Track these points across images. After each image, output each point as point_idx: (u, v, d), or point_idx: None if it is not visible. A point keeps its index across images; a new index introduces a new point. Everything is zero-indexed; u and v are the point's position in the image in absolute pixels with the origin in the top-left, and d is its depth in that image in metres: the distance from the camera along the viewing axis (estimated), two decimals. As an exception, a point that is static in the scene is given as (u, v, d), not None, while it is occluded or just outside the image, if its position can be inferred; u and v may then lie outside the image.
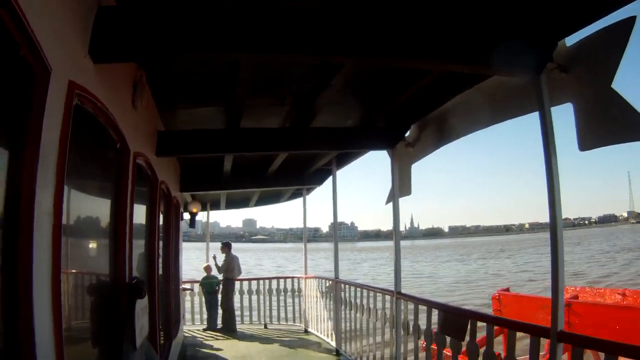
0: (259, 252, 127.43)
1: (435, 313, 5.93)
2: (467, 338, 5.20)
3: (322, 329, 11.02)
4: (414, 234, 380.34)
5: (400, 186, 7.11)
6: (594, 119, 3.66)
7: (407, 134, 6.97)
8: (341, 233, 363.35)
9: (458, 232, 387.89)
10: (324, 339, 10.74)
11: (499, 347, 8.53)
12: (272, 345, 10.87)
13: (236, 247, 13.79)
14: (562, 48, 3.91)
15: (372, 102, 6.54)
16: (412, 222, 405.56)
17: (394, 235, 7.29)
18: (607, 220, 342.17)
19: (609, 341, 3.79)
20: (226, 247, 13.57)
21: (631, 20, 3.30)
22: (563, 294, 3.95)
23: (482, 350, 4.93)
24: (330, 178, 10.37)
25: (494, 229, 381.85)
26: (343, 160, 9.73)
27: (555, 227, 3.89)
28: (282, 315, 13.29)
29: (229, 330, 12.27)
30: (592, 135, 3.68)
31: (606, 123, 3.56)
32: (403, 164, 7.08)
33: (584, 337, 4.07)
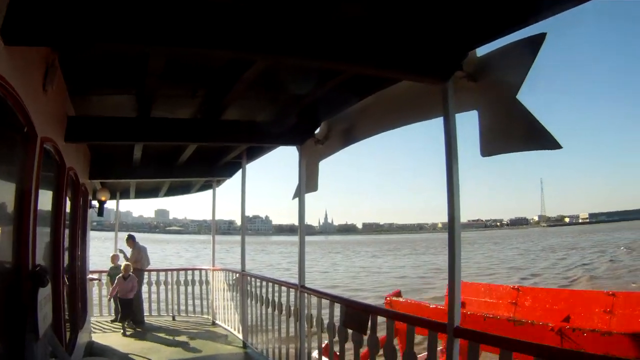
0: (174, 243, 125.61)
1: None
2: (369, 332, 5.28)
3: (229, 322, 10.95)
4: (328, 229, 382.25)
5: (307, 182, 7.17)
6: (497, 128, 3.79)
7: (316, 131, 7.00)
8: (256, 226, 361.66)
9: (372, 229, 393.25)
10: (231, 332, 10.67)
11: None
12: (179, 337, 10.70)
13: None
14: (472, 57, 4.00)
15: (283, 98, 6.50)
16: (326, 218, 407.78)
17: (299, 230, 7.37)
18: (519, 223, 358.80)
19: (504, 337, 4.01)
20: (131, 240, 13.31)
21: (541, 37, 3.44)
22: (460, 291, 4.05)
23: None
24: (240, 171, 10.34)
25: (408, 227, 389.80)
26: (253, 154, 9.70)
27: (453, 228, 4.01)
28: (190, 307, 13.08)
29: (137, 321, 11.90)
30: (494, 143, 3.81)
31: (508, 132, 3.69)
32: (311, 160, 7.14)
33: (480, 333, 4.23)
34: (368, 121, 5.93)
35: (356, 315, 5.55)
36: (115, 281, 11.87)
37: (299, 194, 7.22)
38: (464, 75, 4.02)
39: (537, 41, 3.48)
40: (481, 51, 4.02)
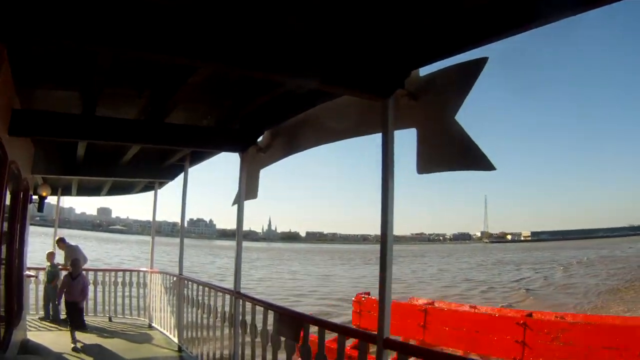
0: (117, 243, 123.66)
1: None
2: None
3: (165, 325, 10.73)
4: (272, 236, 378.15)
5: (247, 189, 7.17)
6: (434, 146, 3.89)
7: (259, 140, 7.00)
8: (199, 230, 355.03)
9: (315, 237, 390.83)
10: (167, 335, 10.46)
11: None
12: (115, 338, 10.46)
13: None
14: (415, 77, 4.09)
15: (227, 104, 6.51)
16: (270, 225, 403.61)
17: (237, 236, 7.35)
18: (462, 238, 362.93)
19: (431, 350, 4.11)
20: (61, 242, 13.04)
21: (483, 61, 3.57)
22: (390, 304, 4.09)
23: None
24: (182, 175, 10.23)
25: (352, 237, 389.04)
26: (196, 158, 9.62)
27: (385, 243, 4.07)
28: (127, 309, 12.76)
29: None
30: (431, 161, 3.91)
31: (445, 151, 3.79)
32: (252, 168, 7.12)
33: (409, 345, 4.36)
34: (310, 132, 5.99)
35: (289, 323, 5.57)
36: (61, 281, 10.81)
37: (239, 200, 7.18)
38: (406, 93, 4.12)
39: (478, 65, 3.60)
40: (424, 71, 4.11)
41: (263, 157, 6.90)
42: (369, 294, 12.88)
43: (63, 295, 10.23)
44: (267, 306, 6.22)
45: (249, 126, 6.81)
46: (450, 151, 3.78)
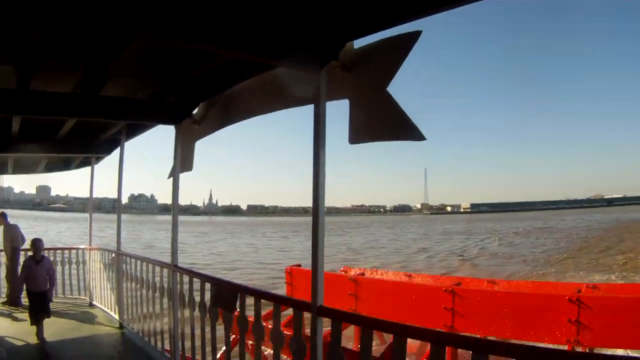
0: (59, 221, 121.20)
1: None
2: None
3: (106, 302, 10.48)
4: (213, 210, 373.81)
5: (183, 162, 7.03)
6: (366, 117, 3.89)
7: (194, 112, 6.85)
8: (141, 205, 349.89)
9: (257, 211, 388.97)
10: (108, 313, 10.23)
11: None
12: (56, 319, 9.82)
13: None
14: (349, 49, 4.05)
15: (162, 76, 6.32)
16: (210, 198, 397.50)
17: (172, 210, 7.20)
18: (402, 209, 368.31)
19: (364, 316, 4.16)
20: (2, 217, 12.40)
21: (416, 34, 3.55)
22: (322, 272, 4.14)
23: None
24: (119, 149, 9.87)
25: (292, 210, 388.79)
26: (133, 131, 9.33)
27: (317, 212, 4.09)
28: (67, 288, 12.42)
29: (13, 303, 11.07)
30: (363, 131, 3.92)
31: (376, 122, 3.81)
32: (187, 140, 6.99)
33: (342, 312, 4.38)
34: (244, 104, 5.92)
35: (225, 295, 5.55)
36: (22, 266, 9.26)
37: (174, 173, 7.04)
38: (339, 65, 4.08)
39: (412, 38, 3.59)
40: (359, 43, 4.08)
41: (198, 129, 6.76)
42: (299, 265, 12.90)
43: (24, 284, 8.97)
44: (204, 278, 6.19)
45: (183, 99, 6.66)
46: (382, 122, 3.79)
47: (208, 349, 6.13)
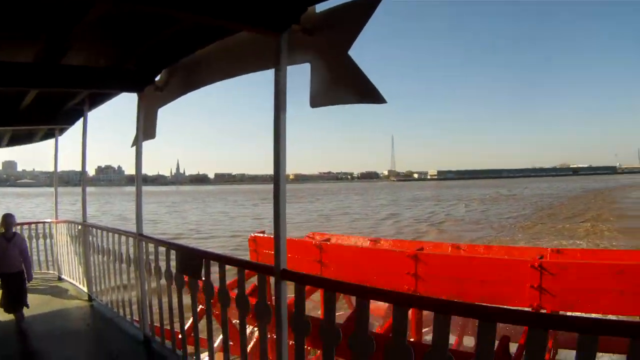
0: (32, 196, 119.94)
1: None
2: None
3: (75, 276, 10.36)
4: (180, 179, 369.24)
5: (145, 130, 6.93)
6: (328, 80, 3.88)
7: (157, 79, 6.72)
8: (109, 177, 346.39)
9: (224, 179, 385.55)
10: (77, 286, 10.11)
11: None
12: None
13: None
14: (311, 12, 4.01)
15: (124, 43, 6.11)
16: (178, 168, 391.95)
17: (136, 179, 7.17)
18: (369, 176, 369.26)
19: (327, 279, 4.19)
20: None
21: None
22: (285, 237, 4.18)
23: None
24: (82, 119, 9.67)
25: (260, 177, 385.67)
26: (96, 101, 9.07)
27: (278, 176, 4.12)
28: (35, 262, 11.70)
29: None
30: (323, 95, 3.91)
31: (337, 85, 3.80)
32: (150, 107, 6.89)
33: (305, 275, 4.41)
34: (206, 69, 5.83)
35: (190, 261, 5.54)
36: None
37: (137, 141, 6.94)
38: (301, 29, 4.05)
39: (373, 2, 3.57)
40: (321, 7, 4.04)
41: (160, 96, 6.64)
42: (263, 232, 12.85)
43: None
44: (169, 246, 6.16)
45: (145, 65, 6.52)
46: (343, 85, 3.80)
47: (179, 317, 6.15)
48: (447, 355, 3.11)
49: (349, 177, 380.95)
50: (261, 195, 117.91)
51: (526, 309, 7.77)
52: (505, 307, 3.12)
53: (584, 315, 7.67)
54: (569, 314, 7.54)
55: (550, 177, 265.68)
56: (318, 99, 3.96)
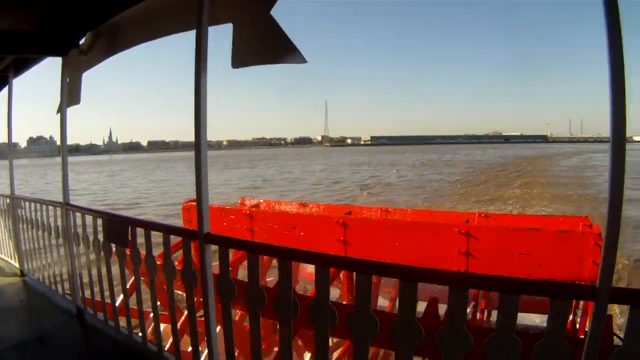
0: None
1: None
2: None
3: (5, 251, 9.84)
4: (113, 148, 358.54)
5: (70, 95, 6.63)
6: (249, 40, 3.84)
7: (81, 42, 6.39)
8: (41, 148, 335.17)
9: (158, 147, 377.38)
10: (8, 261, 9.60)
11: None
12: None
13: None
14: None
15: (48, 7, 5.76)
16: (110, 136, 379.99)
17: (62, 148, 6.78)
18: (303, 142, 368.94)
19: (250, 241, 4.17)
20: None
21: None
22: (207, 201, 4.18)
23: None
24: (7, 88, 9.07)
25: (191, 144, 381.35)
26: (21, 67, 8.47)
27: (199, 139, 4.08)
28: None
29: None
30: (245, 55, 3.86)
31: (260, 45, 3.77)
32: (74, 72, 6.60)
33: (228, 238, 4.39)
34: (130, 31, 5.63)
35: (116, 228, 5.43)
36: None
37: (61, 108, 6.64)
38: None
39: None
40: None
41: (85, 60, 6.38)
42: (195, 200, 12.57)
43: None
44: (96, 214, 5.99)
45: (69, 28, 6.27)
46: (265, 45, 3.78)
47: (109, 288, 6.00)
48: (370, 314, 3.17)
49: (283, 142, 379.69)
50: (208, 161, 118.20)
51: None
52: (425, 267, 3.13)
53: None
54: None
55: (482, 145, 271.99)
56: (240, 59, 3.91)
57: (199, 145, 4.07)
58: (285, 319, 3.62)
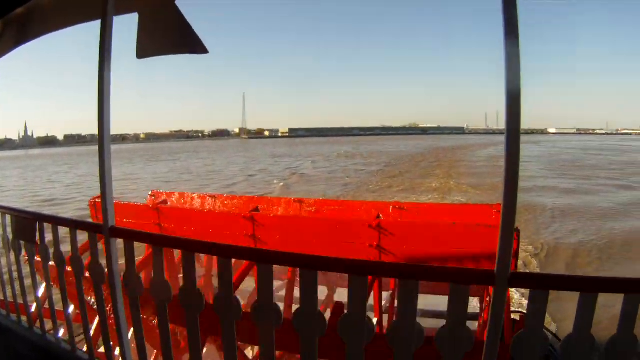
0: None
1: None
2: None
3: None
4: (30, 143, 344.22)
5: None
6: (154, 31, 3.81)
7: None
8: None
9: (75, 140, 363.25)
10: None
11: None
12: None
13: None
14: None
15: None
16: (26, 131, 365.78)
17: None
18: (221, 134, 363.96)
19: (154, 234, 4.11)
20: None
21: None
22: (112, 194, 4.07)
23: None
24: None
25: (112, 138, 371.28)
26: None
27: (103, 132, 3.93)
28: None
29: None
30: (150, 45, 3.84)
31: (164, 35, 3.77)
32: None
33: (133, 231, 4.25)
34: (40, 20, 5.34)
35: (23, 225, 5.24)
36: None
37: None
38: None
39: None
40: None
41: None
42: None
43: None
44: (3, 210, 5.76)
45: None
46: (169, 35, 3.79)
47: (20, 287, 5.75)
48: (273, 305, 3.18)
49: (201, 135, 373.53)
50: (124, 155, 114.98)
51: None
52: (323, 256, 3.16)
53: None
54: None
55: (400, 136, 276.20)
56: (145, 50, 3.90)
57: (102, 138, 3.95)
58: (190, 314, 3.60)
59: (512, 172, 2.50)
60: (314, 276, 3.02)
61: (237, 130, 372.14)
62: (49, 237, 5.00)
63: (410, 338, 2.84)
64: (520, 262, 19.69)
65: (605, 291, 2.60)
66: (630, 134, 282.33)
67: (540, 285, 2.67)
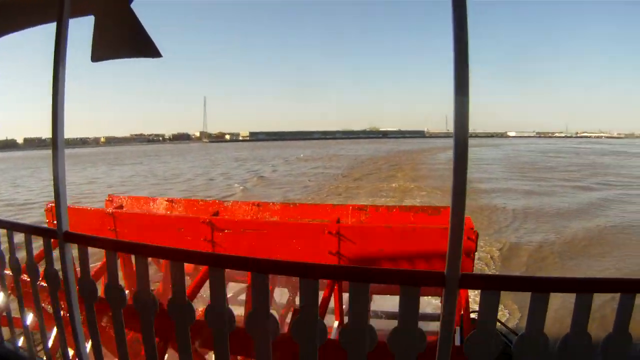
0: None
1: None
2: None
3: None
4: None
5: None
6: (109, 34, 3.77)
7: None
8: None
9: (35, 144, 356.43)
10: None
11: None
12: None
13: None
14: None
15: None
16: None
17: None
18: (181, 138, 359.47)
19: (108, 239, 4.05)
20: None
21: None
22: (65, 198, 4.01)
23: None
24: None
25: (72, 141, 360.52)
26: None
27: (56, 135, 3.87)
28: None
29: None
30: (105, 48, 3.80)
31: (119, 39, 3.72)
32: None
33: (87, 236, 4.20)
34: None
35: None
36: None
37: None
38: None
39: None
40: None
41: None
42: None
43: None
44: None
45: None
46: (124, 38, 3.76)
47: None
48: (225, 308, 3.20)
49: (161, 138, 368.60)
50: (80, 158, 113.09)
51: None
52: (275, 260, 3.19)
53: None
54: None
55: (360, 140, 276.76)
56: (100, 53, 3.86)
57: (56, 142, 3.88)
58: (145, 318, 3.58)
59: (460, 176, 2.57)
60: (264, 279, 3.03)
61: (197, 134, 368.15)
62: (4, 244, 4.92)
63: (362, 340, 2.87)
64: (481, 264, 20.08)
65: (556, 291, 2.69)
66: (589, 137, 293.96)
67: (490, 286, 2.75)
